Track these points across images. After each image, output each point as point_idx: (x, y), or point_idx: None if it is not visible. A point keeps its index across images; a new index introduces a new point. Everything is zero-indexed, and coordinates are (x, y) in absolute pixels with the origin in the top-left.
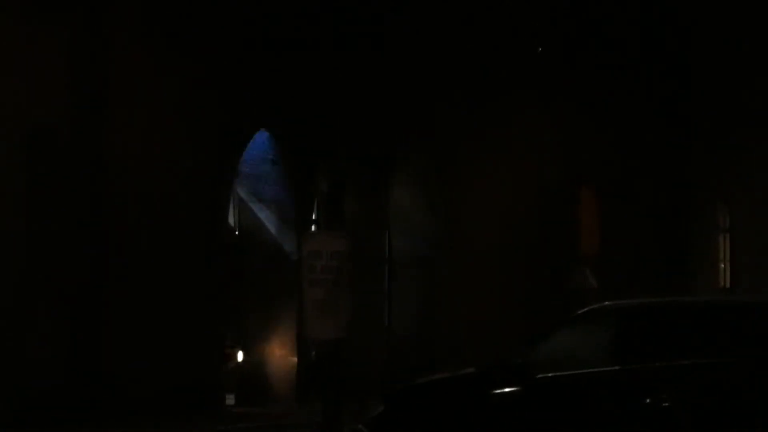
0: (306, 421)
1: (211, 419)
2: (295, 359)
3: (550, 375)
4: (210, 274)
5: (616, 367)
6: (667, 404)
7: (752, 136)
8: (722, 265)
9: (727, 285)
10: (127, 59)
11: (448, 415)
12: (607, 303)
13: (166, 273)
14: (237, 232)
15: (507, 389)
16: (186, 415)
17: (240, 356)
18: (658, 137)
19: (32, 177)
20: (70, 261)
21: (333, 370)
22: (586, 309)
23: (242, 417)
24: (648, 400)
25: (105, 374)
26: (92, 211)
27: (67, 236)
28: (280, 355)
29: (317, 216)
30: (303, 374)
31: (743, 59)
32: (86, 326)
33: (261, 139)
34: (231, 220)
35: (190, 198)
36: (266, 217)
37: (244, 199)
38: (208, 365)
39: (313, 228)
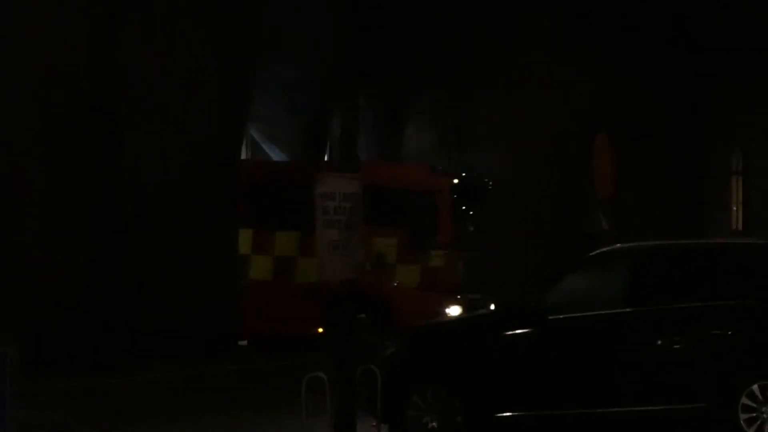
0: (319, 362)
1: (224, 360)
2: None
3: (561, 317)
4: (222, 219)
5: (628, 309)
6: (678, 346)
7: (767, 80)
8: (734, 208)
9: (740, 228)
10: (142, 2)
11: (460, 355)
12: (619, 246)
13: (180, 214)
14: None
15: (519, 331)
16: (199, 356)
17: None
18: (673, 82)
19: (49, 119)
20: (87, 202)
21: (345, 311)
22: (598, 252)
23: (255, 358)
24: (659, 342)
25: (121, 316)
26: (109, 153)
27: (84, 178)
28: None
29: (330, 157)
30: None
31: (762, 7)
32: (103, 267)
33: (274, 80)
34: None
35: (203, 139)
36: (279, 158)
37: (257, 140)
38: (222, 306)
39: None
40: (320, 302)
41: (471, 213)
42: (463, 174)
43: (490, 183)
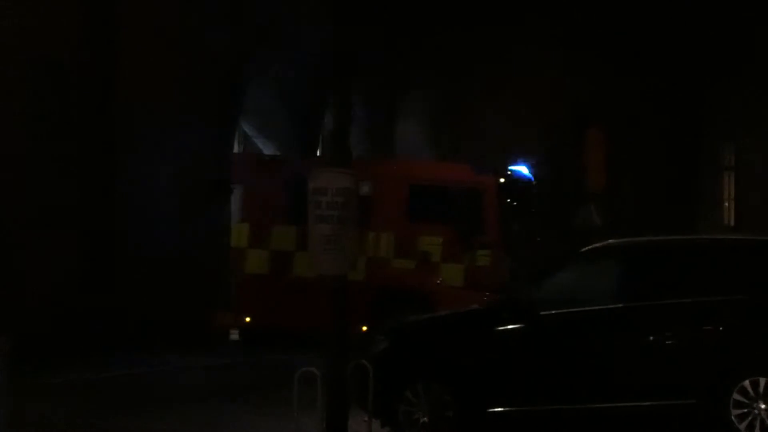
0: (311, 358)
1: (215, 354)
2: None
3: (553, 312)
4: (212, 213)
5: (620, 305)
6: (669, 342)
7: (761, 75)
8: (726, 204)
9: (732, 223)
10: None
11: (452, 351)
12: (610, 241)
13: (172, 209)
14: None
15: (510, 326)
16: (191, 350)
17: None
18: (666, 77)
19: (42, 113)
20: (79, 196)
21: (337, 306)
22: (590, 247)
23: (247, 352)
24: (651, 338)
25: (112, 309)
26: (101, 146)
27: (77, 170)
28: None
29: (322, 152)
30: None
31: (756, 3)
32: (95, 261)
33: (266, 74)
34: None
35: (196, 133)
36: (271, 153)
37: (249, 134)
38: (214, 300)
39: None
40: (366, 301)
41: (517, 212)
42: (509, 172)
43: (535, 181)
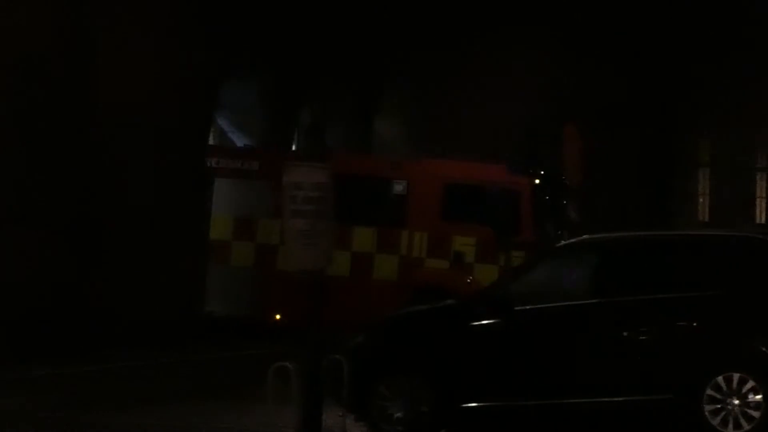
0: (287, 352)
1: (195, 349)
2: None
3: (528, 307)
4: (193, 207)
5: (595, 300)
6: (644, 337)
7: (737, 72)
8: (701, 199)
9: (706, 219)
10: None
11: (427, 346)
12: (586, 237)
13: (150, 204)
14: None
15: (486, 321)
16: (171, 346)
17: None
18: (643, 73)
19: (22, 106)
20: (59, 191)
21: (312, 301)
22: (565, 242)
23: (227, 347)
24: (626, 333)
25: (91, 305)
26: (81, 141)
27: (57, 167)
28: None
29: (298, 146)
30: None
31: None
32: (74, 256)
33: (243, 69)
34: None
35: (172, 127)
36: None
37: (225, 129)
38: (192, 296)
39: None
40: (398, 300)
41: (551, 212)
42: (542, 172)
43: (567, 180)
